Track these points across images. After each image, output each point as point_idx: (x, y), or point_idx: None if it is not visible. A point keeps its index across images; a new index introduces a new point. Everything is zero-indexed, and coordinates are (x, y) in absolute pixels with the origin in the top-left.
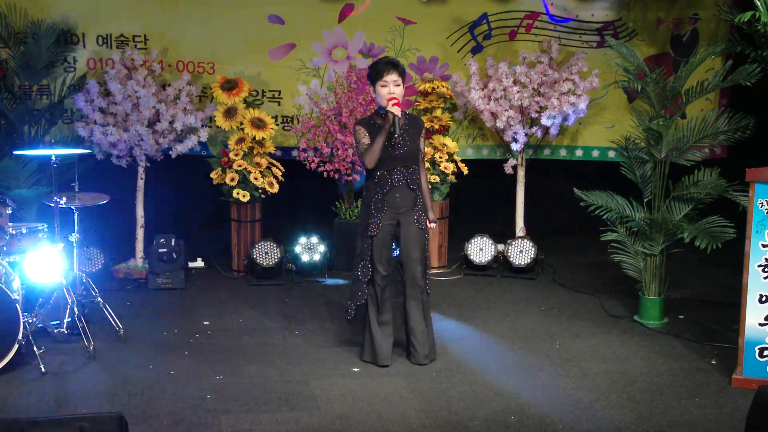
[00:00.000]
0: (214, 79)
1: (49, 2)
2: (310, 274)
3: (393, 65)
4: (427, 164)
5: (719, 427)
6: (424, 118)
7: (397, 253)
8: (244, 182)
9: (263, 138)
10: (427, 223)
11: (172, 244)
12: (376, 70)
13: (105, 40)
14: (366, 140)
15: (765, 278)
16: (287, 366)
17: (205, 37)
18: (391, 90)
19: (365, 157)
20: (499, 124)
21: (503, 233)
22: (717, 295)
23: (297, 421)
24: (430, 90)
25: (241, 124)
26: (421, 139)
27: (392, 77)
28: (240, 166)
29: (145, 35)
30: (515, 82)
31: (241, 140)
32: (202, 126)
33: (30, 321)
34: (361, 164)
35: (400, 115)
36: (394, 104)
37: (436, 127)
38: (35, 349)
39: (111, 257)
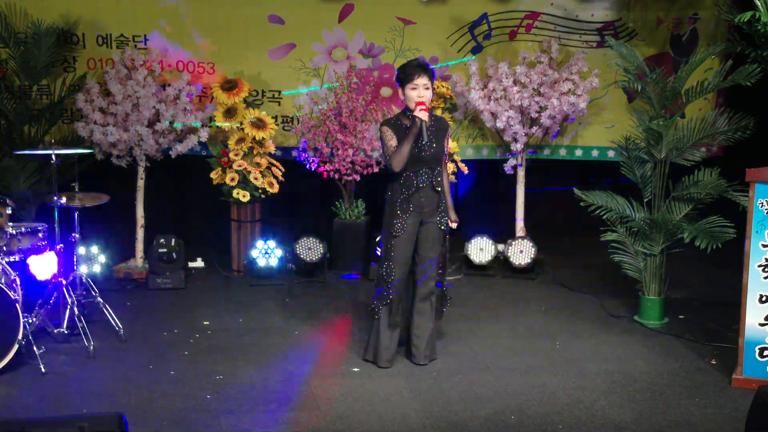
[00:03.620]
0: (214, 79)
1: (49, 2)
2: (310, 274)
3: (423, 68)
4: None
5: (719, 427)
6: None
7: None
8: (244, 182)
9: (263, 138)
10: (449, 223)
11: (172, 244)
12: (406, 73)
13: (105, 40)
14: (393, 142)
15: (765, 278)
16: (287, 366)
17: (205, 37)
18: (420, 93)
19: (392, 161)
20: (499, 124)
21: (503, 233)
22: (717, 295)
23: (297, 421)
24: None
25: (241, 124)
26: (446, 141)
27: (423, 81)
28: (240, 166)
29: (145, 35)
30: (515, 82)
31: (241, 140)
32: (202, 126)
33: (30, 321)
34: (387, 166)
35: (427, 120)
36: (421, 109)
37: None
38: (35, 349)
39: (111, 257)
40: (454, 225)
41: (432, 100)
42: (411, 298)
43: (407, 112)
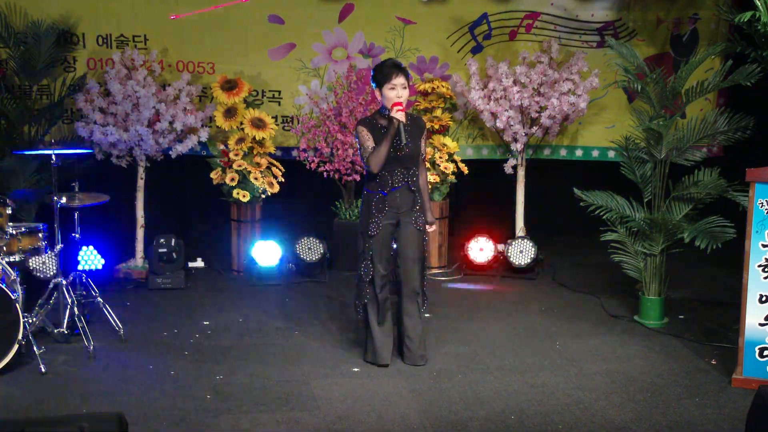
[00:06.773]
0: (214, 79)
1: (49, 2)
2: (310, 274)
3: (399, 68)
4: (428, 164)
5: (719, 427)
6: (424, 118)
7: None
8: (244, 182)
9: (263, 138)
10: (425, 226)
11: (172, 244)
12: (383, 73)
13: (105, 40)
14: (370, 143)
15: (765, 278)
16: (287, 366)
17: (205, 37)
18: (399, 93)
19: (370, 161)
20: (499, 124)
21: (503, 233)
22: (717, 295)
23: (297, 421)
24: (430, 90)
25: (241, 124)
26: (423, 140)
27: (400, 80)
28: (240, 166)
29: (145, 35)
30: (515, 82)
31: (241, 140)
32: (202, 126)
33: (30, 321)
34: (363, 165)
35: (404, 121)
36: (398, 110)
37: (436, 127)
38: (35, 349)
39: (111, 257)
40: (430, 229)
41: (413, 102)
42: (398, 300)
43: (384, 111)
